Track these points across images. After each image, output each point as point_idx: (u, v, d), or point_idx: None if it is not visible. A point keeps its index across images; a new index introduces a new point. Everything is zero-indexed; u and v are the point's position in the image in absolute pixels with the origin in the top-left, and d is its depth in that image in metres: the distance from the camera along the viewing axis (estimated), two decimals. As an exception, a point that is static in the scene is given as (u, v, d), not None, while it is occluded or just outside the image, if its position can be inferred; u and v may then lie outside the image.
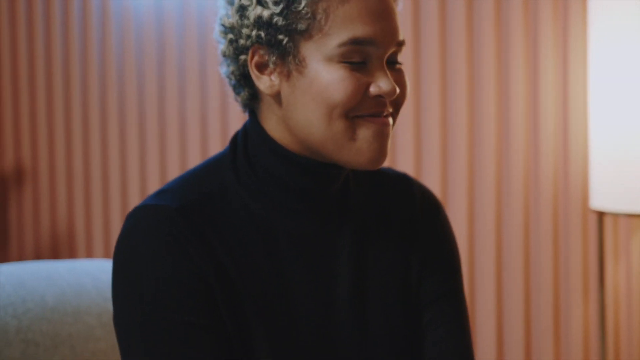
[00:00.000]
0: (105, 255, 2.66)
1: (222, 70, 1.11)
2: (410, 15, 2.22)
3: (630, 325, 2.18)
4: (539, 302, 2.20)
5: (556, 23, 2.12)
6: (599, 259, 2.08)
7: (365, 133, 1.03)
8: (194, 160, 2.50)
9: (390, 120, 1.06)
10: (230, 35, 1.07)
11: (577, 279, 2.19)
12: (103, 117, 2.63)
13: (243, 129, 1.12)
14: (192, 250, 1.02)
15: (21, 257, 2.78)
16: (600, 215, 2.04)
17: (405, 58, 2.20)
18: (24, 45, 2.73)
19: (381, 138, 1.04)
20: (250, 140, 1.10)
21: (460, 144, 2.20)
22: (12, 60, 2.76)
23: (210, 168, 1.11)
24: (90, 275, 1.47)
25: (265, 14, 1.03)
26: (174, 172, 2.54)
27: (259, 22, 1.04)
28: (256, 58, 1.06)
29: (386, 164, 2.20)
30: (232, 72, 1.09)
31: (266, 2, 1.03)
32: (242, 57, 1.07)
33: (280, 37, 1.03)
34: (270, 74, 1.06)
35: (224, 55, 1.09)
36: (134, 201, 2.62)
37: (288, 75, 1.04)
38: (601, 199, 1.95)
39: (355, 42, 1.02)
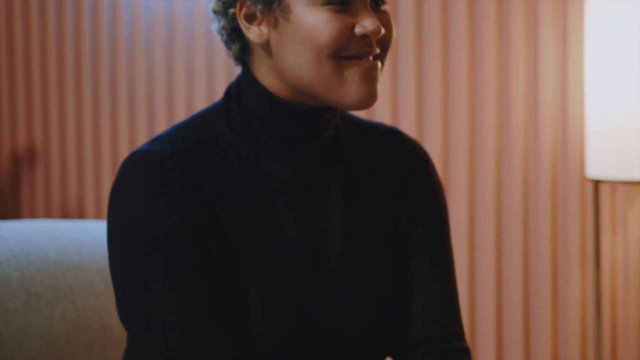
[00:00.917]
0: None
1: (214, 27, 1.15)
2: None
3: (627, 297, 2.21)
4: (537, 272, 2.23)
5: (554, -2, 2.15)
6: (594, 228, 2.11)
7: (353, 75, 1.06)
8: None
9: (379, 63, 1.09)
10: None
11: (575, 250, 2.21)
12: (113, 98, 2.68)
13: (236, 81, 1.15)
14: (184, 194, 1.05)
15: (33, 236, 2.82)
16: (596, 184, 2.07)
17: (407, 29, 2.24)
18: (36, 28, 2.78)
19: (369, 80, 1.07)
20: (244, 91, 1.13)
21: (461, 115, 2.23)
22: (24, 43, 2.81)
23: (204, 117, 1.14)
24: (93, 235, 1.51)
25: None
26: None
27: None
28: (244, 10, 1.10)
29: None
30: (223, 27, 1.13)
31: None
32: (231, 10, 1.11)
33: None
34: (259, 24, 1.09)
35: (214, 12, 1.13)
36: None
37: (275, 23, 1.08)
38: (597, 167, 1.99)
39: None
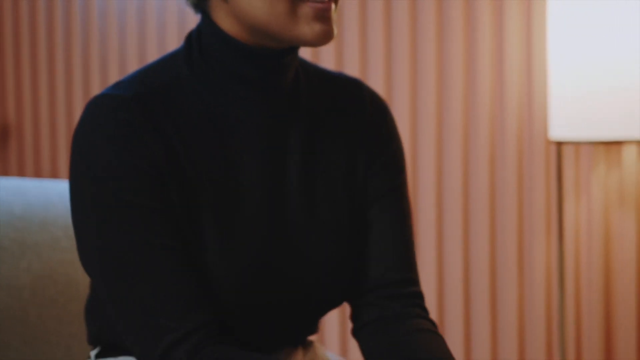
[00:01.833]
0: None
1: None
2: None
3: (590, 261, 2.24)
4: (503, 236, 2.26)
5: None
6: (558, 191, 2.15)
7: (307, 14, 1.07)
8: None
9: (333, 5, 1.10)
10: None
11: (540, 213, 2.25)
12: (85, 73, 2.69)
13: (197, 27, 1.17)
14: (145, 136, 1.06)
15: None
16: (559, 146, 2.11)
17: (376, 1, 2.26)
18: (9, 3, 2.79)
19: (323, 19, 1.08)
20: (204, 36, 1.14)
21: (428, 79, 2.26)
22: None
23: (166, 62, 1.15)
24: (58, 193, 1.53)
25: None
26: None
27: None
28: None
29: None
30: None
31: None
32: None
33: None
34: None
35: None
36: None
37: None
38: (559, 129, 2.02)
39: None
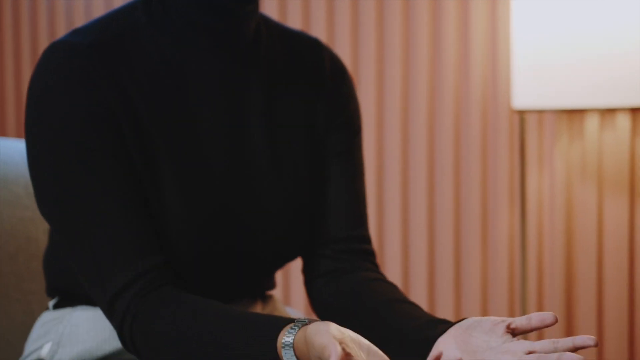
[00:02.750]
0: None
1: None
2: None
3: (553, 232, 2.27)
4: (468, 207, 2.28)
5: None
6: (520, 161, 2.17)
7: None
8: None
9: None
10: None
11: (504, 182, 2.27)
12: (51, 25, 2.67)
13: None
14: (101, 83, 1.06)
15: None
16: (522, 116, 2.14)
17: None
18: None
19: None
20: None
21: (395, 51, 2.27)
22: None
23: (124, 11, 1.15)
24: (20, 151, 1.52)
25: None
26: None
27: None
28: None
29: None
30: None
31: None
32: None
33: None
34: None
35: None
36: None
37: None
38: (522, 98, 2.05)
39: None
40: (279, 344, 0.94)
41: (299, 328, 0.94)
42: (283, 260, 1.20)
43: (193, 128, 1.11)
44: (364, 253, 1.23)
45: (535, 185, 2.28)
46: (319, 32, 2.31)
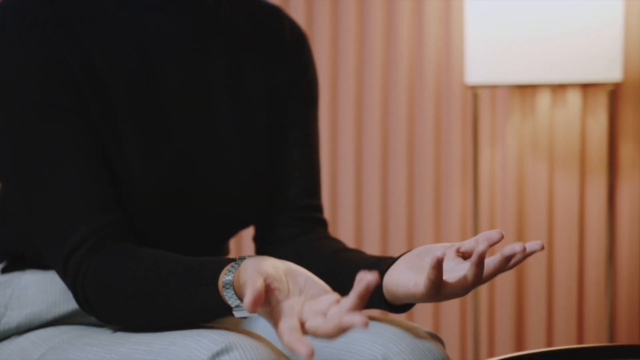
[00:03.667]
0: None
1: None
2: None
3: (505, 208, 2.29)
4: (420, 183, 2.29)
5: None
6: (473, 137, 2.18)
7: None
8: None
9: None
10: None
11: (457, 158, 2.28)
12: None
13: None
14: (55, 37, 1.04)
15: None
16: (475, 92, 2.15)
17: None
18: None
19: None
20: None
21: (349, 27, 2.26)
22: None
23: None
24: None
25: None
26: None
27: None
28: None
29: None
30: None
31: None
32: None
33: None
34: None
35: None
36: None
37: None
38: (475, 74, 2.06)
39: None
40: (220, 284, 0.93)
41: (239, 266, 0.91)
42: (239, 223, 1.19)
43: (154, 86, 1.10)
44: (317, 221, 1.24)
45: (488, 161, 2.30)
46: None
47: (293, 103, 1.23)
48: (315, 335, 0.84)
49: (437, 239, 2.30)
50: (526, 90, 2.26)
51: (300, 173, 1.23)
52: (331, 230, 2.24)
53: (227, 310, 0.93)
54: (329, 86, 2.28)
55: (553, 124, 2.27)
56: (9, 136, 1.04)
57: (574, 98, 2.26)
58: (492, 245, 0.93)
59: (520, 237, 2.30)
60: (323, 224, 1.25)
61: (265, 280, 0.86)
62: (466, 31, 2.08)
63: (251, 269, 0.87)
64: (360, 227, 2.31)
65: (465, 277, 0.92)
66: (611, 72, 2.04)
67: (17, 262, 1.18)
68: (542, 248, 0.91)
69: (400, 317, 2.17)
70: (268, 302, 0.87)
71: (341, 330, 0.82)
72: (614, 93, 2.19)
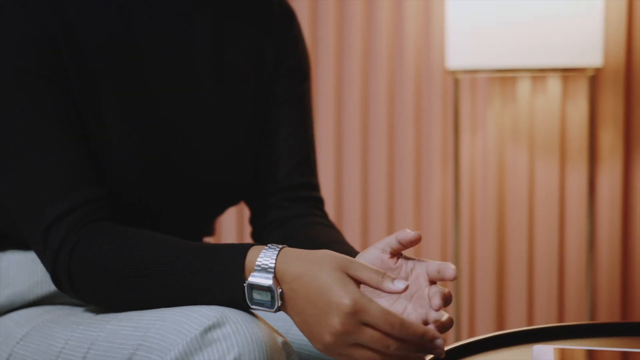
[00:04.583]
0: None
1: None
2: None
3: (485, 194, 2.29)
4: (401, 169, 2.29)
5: None
6: (454, 123, 2.18)
7: None
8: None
9: None
10: None
11: (437, 145, 2.28)
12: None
13: None
14: (40, 6, 1.02)
15: None
16: (456, 78, 2.14)
17: None
18: None
19: None
20: None
21: (329, 11, 2.25)
22: None
23: None
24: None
25: None
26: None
27: None
28: None
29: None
30: None
31: None
32: None
33: None
34: None
35: None
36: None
37: None
38: (456, 58, 2.05)
39: None
40: (247, 266, 0.91)
41: (279, 250, 0.91)
42: (222, 201, 1.17)
43: (137, 59, 1.08)
44: (312, 200, 1.22)
45: (468, 147, 2.29)
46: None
47: (282, 81, 1.20)
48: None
49: (418, 225, 2.30)
50: (506, 77, 2.26)
51: (291, 150, 1.20)
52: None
53: (243, 300, 0.92)
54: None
55: (533, 110, 2.27)
56: None
57: (554, 85, 2.26)
58: (409, 242, 0.96)
59: (501, 223, 2.30)
60: (318, 202, 1.22)
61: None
62: (447, 16, 2.07)
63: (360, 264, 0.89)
64: (341, 214, 2.30)
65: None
66: (592, 57, 2.04)
67: (-4, 243, 1.15)
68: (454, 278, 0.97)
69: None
70: None
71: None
72: (595, 79, 2.19)
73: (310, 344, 1.08)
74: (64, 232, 0.98)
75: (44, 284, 1.11)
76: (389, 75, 2.26)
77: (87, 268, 0.97)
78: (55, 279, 1.00)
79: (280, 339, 0.92)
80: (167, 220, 1.12)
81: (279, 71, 1.20)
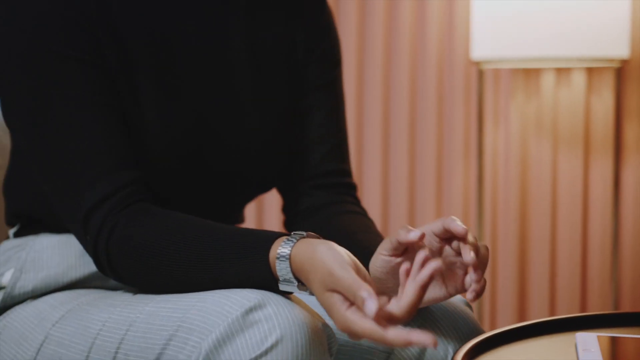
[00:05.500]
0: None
1: None
2: None
3: (507, 186, 2.27)
4: (422, 160, 2.28)
5: None
6: (477, 115, 2.17)
7: None
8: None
9: None
10: None
11: (460, 136, 2.27)
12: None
13: None
14: None
15: None
16: (480, 70, 2.13)
17: None
18: None
19: None
20: None
21: (351, 1, 2.24)
22: None
23: None
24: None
25: None
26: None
27: None
28: None
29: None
30: None
31: None
32: None
33: None
34: None
35: None
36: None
37: None
38: (481, 49, 2.04)
39: None
40: (272, 256, 0.91)
41: (297, 240, 0.90)
42: (255, 187, 1.17)
43: (173, 43, 1.07)
44: (345, 186, 1.21)
45: (491, 140, 2.28)
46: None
47: (313, 67, 1.20)
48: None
49: (439, 216, 2.28)
50: (530, 69, 2.24)
51: (324, 136, 1.19)
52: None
53: (273, 283, 0.92)
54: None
55: (557, 103, 2.26)
56: (26, 86, 1.00)
57: (578, 77, 2.24)
58: (410, 241, 0.92)
59: (523, 216, 2.29)
60: (350, 189, 1.21)
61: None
62: (472, 6, 2.06)
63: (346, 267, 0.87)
64: (362, 201, 2.28)
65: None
66: (618, 48, 2.02)
67: (31, 225, 1.15)
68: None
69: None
70: None
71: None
72: (621, 71, 2.17)
73: None
74: (103, 215, 0.98)
75: (78, 267, 1.10)
76: (412, 65, 2.25)
77: (127, 250, 0.97)
78: (97, 262, 1.00)
79: (320, 322, 0.91)
80: (199, 208, 1.11)
81: (312, 57, 1.20)
